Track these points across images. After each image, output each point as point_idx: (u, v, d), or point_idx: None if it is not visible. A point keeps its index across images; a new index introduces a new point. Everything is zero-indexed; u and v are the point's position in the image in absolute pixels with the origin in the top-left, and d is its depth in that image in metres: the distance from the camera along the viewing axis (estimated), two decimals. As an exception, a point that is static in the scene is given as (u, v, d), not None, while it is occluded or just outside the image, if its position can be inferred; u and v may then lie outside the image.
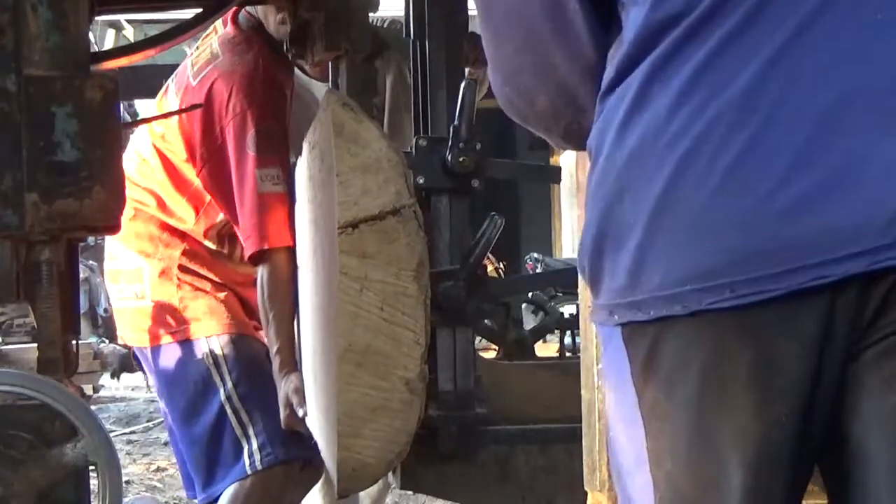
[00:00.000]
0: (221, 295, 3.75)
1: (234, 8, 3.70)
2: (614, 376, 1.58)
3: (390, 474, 3.40)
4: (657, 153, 1.46)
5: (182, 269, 3.73)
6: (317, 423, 3.38)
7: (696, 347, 1.45)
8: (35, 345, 2.42)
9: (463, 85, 3.30)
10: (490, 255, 9.69)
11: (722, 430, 1.45)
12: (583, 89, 1.63)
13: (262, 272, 3.57)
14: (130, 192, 3.66)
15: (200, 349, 3.70)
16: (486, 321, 3.61)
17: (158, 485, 6.62)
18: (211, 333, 3.70)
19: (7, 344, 2.66)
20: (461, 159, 3.28)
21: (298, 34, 3.58)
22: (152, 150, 3.75)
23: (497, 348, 3.77)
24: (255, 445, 3.63)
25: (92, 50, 2.52)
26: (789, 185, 1.40)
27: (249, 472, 3.63)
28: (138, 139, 3.83)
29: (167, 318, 3.72)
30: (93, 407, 2.72)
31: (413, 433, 3.00)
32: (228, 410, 3.66)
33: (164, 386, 3.76)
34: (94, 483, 2.29)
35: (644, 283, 1.47)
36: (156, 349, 3.73)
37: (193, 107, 3.65)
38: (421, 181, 3.29)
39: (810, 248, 1.39)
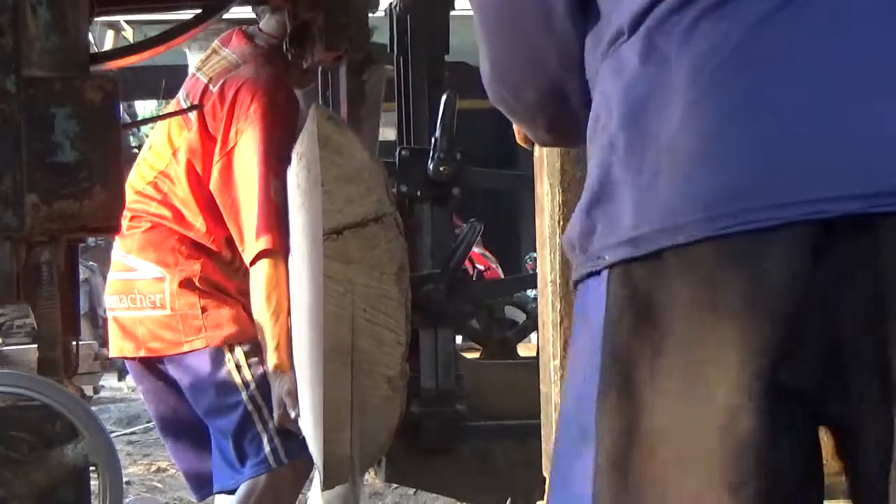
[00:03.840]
0: (239, 304, 3.83)
1: (240, 28, 3.82)
2: (581, 335, 1.59)
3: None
4: (665, 101, 1.50)
5: (202, 280, 3.80)
6: (305, 419, 3.46)
7: (692, 279, 1.47)
8: (35, 346, 2.42)
9: (444, 98, 3.43)
10: (488, 255, 9.69)
11: (710, 365, 1.46)
12: (568, 80, 1.71)
13: (260, 273, 3.65)
14: (146, 206, 3.77)
15: (223, 356, 3.79)
16: (471, 323, 3.74)
17: (159, 485, 6.63)
18: (233, 341, 3.79)
19: (7, 345, 2.65)
20: (441, 168, 3.43)
21: (298, 34, 3.60)
22: (173, 161, 3.79)
23: (481, 349, 3.89)
24: (277, 441, 3.75)
25: (91, 51, 2.52)
26: (799, 125, 1.45)
27: (274, 465, 3.75)
28: (154, 155, 3.85)
29: (189, 326, 3.79)
30: (93, 408, 2.72)
31: (394, 429, 3.14)
32: (251, 408, 3.77)
33: (186, 390, 3.84)
34: (94, 484, 2.29)
35: (645, 219, 1.49)
36: (175, 357, 3.80)
37: (194, 107, 3.69)
38: (404, 189, 3.46)
39: (812, 183, 1.44)
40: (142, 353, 3.84)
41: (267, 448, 3.75)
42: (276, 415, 3.67)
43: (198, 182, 3.75)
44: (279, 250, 3.61)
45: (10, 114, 2.28)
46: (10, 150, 2.28)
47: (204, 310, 3.78)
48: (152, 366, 3.86)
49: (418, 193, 3.48)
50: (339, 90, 3.64)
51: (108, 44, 9.51)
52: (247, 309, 3.84)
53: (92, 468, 2.26)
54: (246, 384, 3.77)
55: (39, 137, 2.30)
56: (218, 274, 3.82)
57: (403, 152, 3.52)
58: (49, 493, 2.23)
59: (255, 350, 3.78)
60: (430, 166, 3.44)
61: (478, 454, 3.50)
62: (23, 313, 2.53)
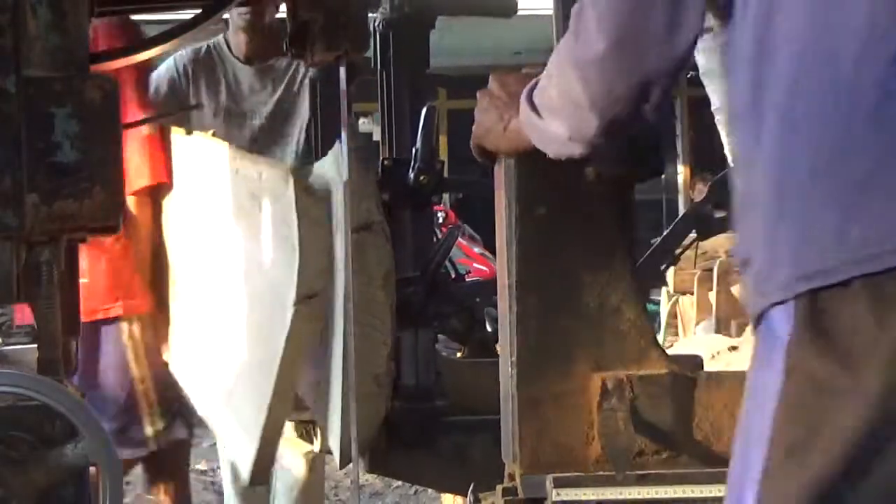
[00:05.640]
0: (145, 274, 3.98)
1: None
2: (760, 369, 1.65)
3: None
4: (853, 143, 1.57)
5: (112, 250, 4.00)
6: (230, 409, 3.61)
7: (882, 304, 1.55)
8: (35, 346, 2.42)
9: (424, 111, 3.63)
10: (489, 256, 9.80)
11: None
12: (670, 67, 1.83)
13: (140, 210, 3.95)
14: None
15: (121, 330, 4.03)
16: (453, 323, 3.89)
17: (159, 485, 6.60)
18: (132, 313, 4.04)
19: (7, 345, 2.66)
20: (421, 178, 3.63)
21: (298, 34, 3.61)
22: None
23: (462, 348, 4.04)
24: (159, 424, 4.08)
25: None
26: None
27: (154, 447, 4.08)
28: None
29: (100, 295, 4.01)
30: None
31: (380, 422, 3.32)
32: (140, 389, 4.04)
33: (83, 356, 3.97)
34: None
35: (836, 250, 1.57)
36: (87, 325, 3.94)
37: (194, 106, 3.73)
38: (386, 198, 3.61)
39: None
40: None
41: (151, 431, 4.04)
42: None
43: None
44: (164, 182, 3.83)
45: (10, 114, 2.28)
46: (9, 150, 2.28)
47: (114, 280, 4.01)
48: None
49: (400, 202, 3.67)
50: (339, 91, 3.70)
51: (108, 43, 9.50)
52: (145, 283, 3.96)
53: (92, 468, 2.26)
54: (138, 357, 4.00)
55: (39, 137, 2.30)
56: (121, 244, 4.03)
57: (386, 162, 3.74)
58: (49, 493, 2.23)
59: (152, 329, 4.00)
60: (411, 176, 3.62)
61: (455, 448, 3.64)
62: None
